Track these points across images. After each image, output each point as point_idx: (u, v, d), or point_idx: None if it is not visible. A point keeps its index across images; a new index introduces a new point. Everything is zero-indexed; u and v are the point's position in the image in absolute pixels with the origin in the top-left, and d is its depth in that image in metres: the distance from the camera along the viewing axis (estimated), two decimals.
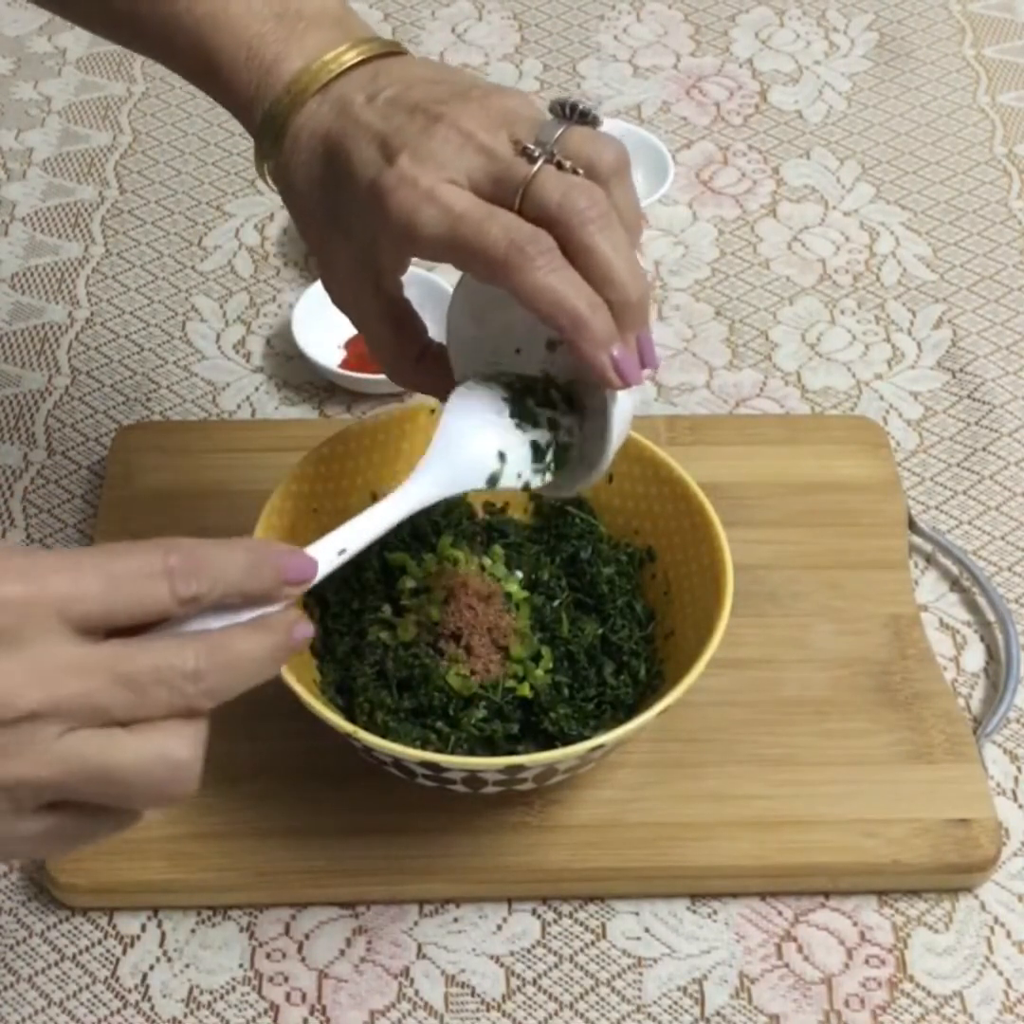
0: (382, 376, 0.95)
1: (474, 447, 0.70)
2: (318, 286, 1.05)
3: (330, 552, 0.65)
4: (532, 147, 0.64)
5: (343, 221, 0.68)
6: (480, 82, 0.68)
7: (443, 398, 0.72)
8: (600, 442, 0.71)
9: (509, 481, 0.71)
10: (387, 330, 0.72)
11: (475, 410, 0.71)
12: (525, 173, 0.64)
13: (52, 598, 0.53)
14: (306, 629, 0.58)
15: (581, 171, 0.64)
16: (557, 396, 0.73)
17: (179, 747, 0.54)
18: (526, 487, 0.72)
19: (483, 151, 0.64)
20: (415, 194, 0.64)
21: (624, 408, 0.69)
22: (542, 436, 0.72)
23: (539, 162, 0.64)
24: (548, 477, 0.72)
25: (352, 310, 0.72)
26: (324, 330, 1.04)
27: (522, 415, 0.72)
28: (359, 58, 0.69)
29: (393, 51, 0.71)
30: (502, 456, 0.71)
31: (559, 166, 0.64)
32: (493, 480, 0.71)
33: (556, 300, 0.63)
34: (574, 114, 0.66)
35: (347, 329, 1.02)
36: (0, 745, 0.52)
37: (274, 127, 0.69)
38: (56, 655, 0.53)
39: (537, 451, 0.72)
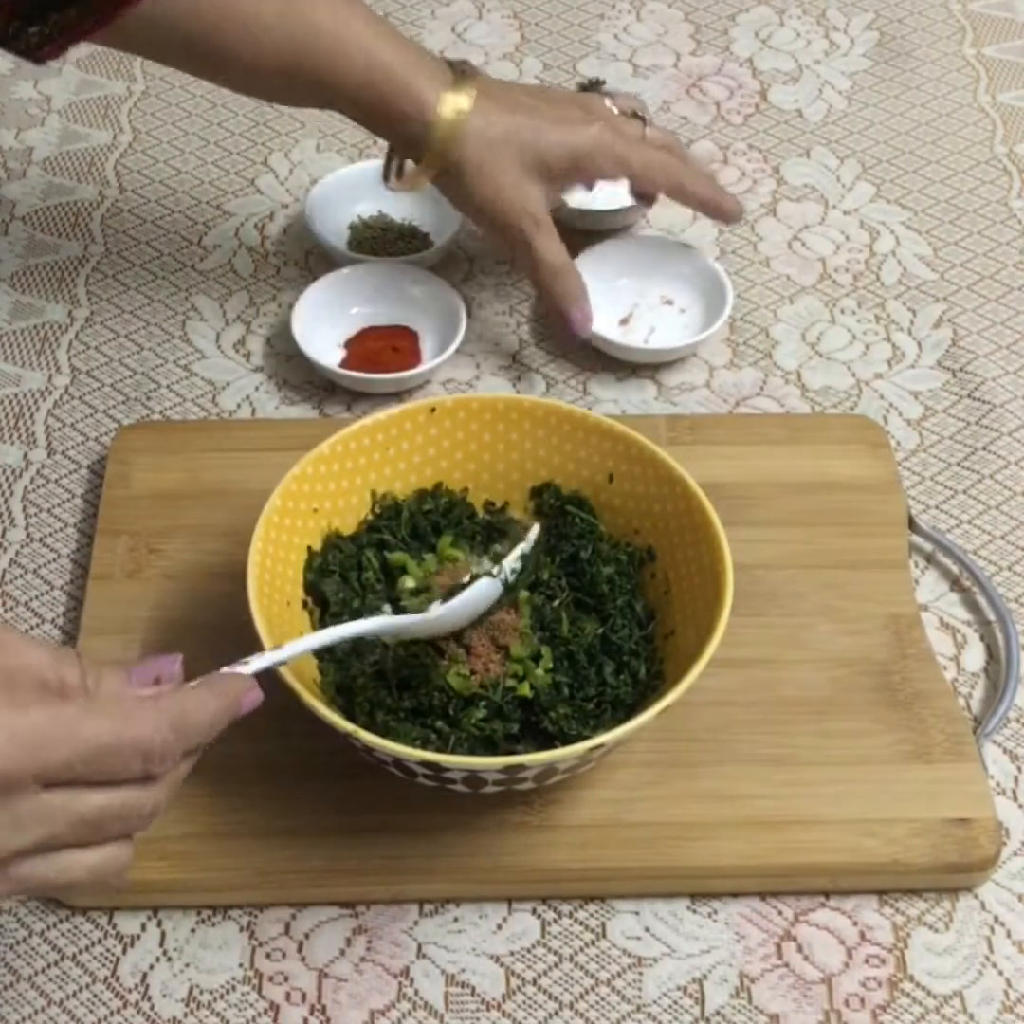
0: (382, 376, 1.01)
1: (441, 629, 0.79)
2: (318, 285, 1.05)
3: (269, 660, 0.70)
4: (593, 81, 1.17)
5: (542, 162, 0.99)
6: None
7: (586, 303, 1.03)
8: None
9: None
10: (560, 240, 1.02)
11: (465, 613, 0.79)
12: (640, 129, 1.05)
13: (35, 769, 0.58)
14: (256, 698, 0.67)
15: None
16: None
17: (123, 854, 0.62)
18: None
19: (614, 123, 1.03)
20: (616, 136, 1.02)
21: None
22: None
23: (642, 126, 1.06)
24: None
25: (540, 224, 1.00)
26: (324, 330, 1.04)
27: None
28: (468, 74, 0.98)
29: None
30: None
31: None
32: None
33: (703, 189, 1.06)
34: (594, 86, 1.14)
35: (347, 328, 1.02)
36: None
37: (453, 126, 0.97)
38: (27, 807, 0.58)
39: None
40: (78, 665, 0.62)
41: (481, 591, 0.78)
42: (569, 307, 1.02)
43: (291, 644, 0.71)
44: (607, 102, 1.06)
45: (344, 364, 1.03)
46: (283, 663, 0.71)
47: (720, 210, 1.06)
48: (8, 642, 0.61)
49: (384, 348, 1.04)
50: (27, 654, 0.61)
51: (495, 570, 0.79)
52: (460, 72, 0.98)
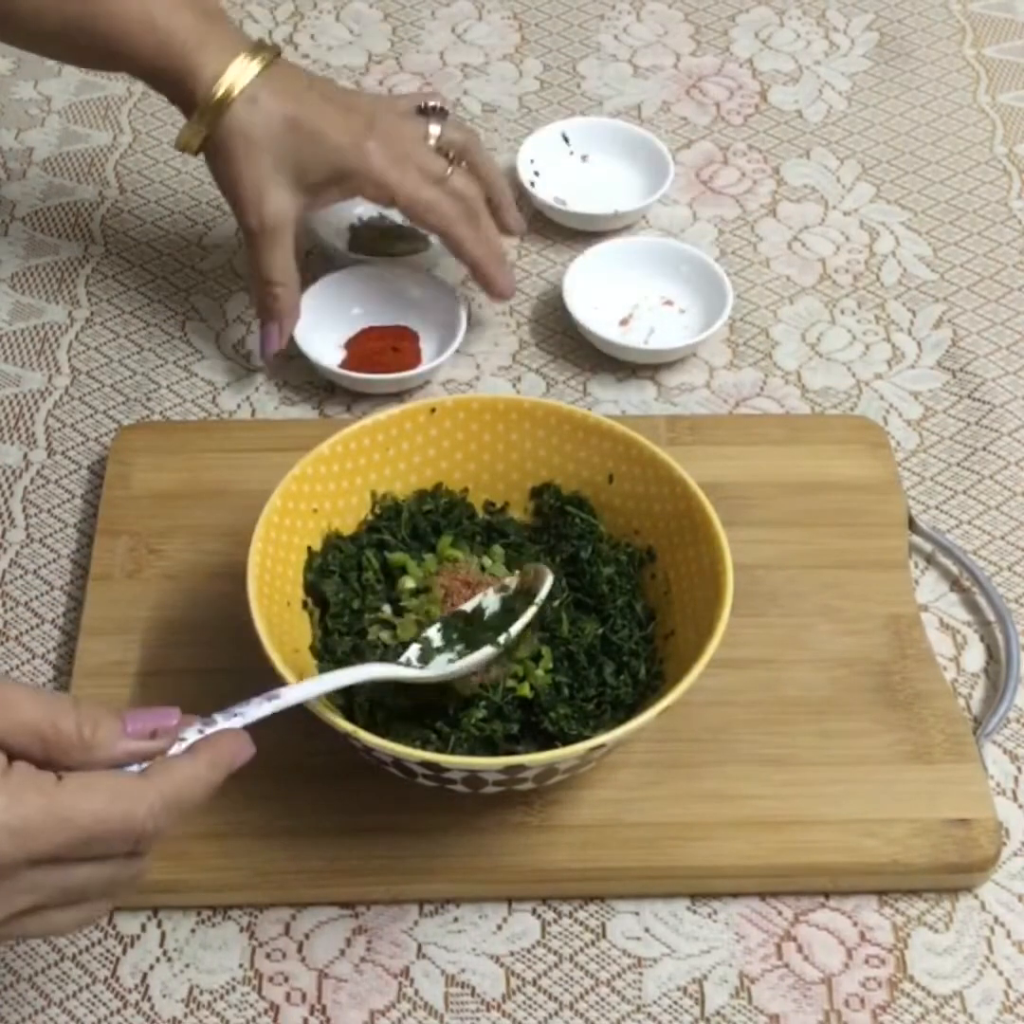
0: (382, 376, 1.02)
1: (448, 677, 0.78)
2: (318, 286, 1.05)
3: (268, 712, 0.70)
4: (428, 106, 1.02)
5: (297, 167, 0.97)
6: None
7: (289, 325, 1.01)
8: None
9: None
10: (293, 252, 1.00)
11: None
12: (444, 168, 0.99)
13: (26, 857, 0.59)
14: (247, 753, 0.67)
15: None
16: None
17: (105, 908, 0.64)
18: None
19: (414, 145, 0.99)
20: (388, 160, 0.97)
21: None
22: None
23: (451, 165, 1.00)
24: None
25: (272, 231, 0.98)
26: (324, 330, 1.04)
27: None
28: (271, 54, 0.97)
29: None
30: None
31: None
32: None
33: (475, 245, 1.01)
34: (431, 111, 1.02)
35: (347, 329, 1.05)
36: None
37: (225, 97, 0.94)
38: (15, 884, 0.59)
39: None
40: (73, 714, 0.61)
41: (485, 654, 0.78)
42: (265, 321, 1.01)
43: (287, 691, 0.70)
44: (433, 129, 1.01)
45: (344, 365, 1.03)
46: (278, 710, 0.70)
47: (488, 282, 1.02)
48: (3, 696, 0.61)
49: (384, 348, 1.04)
50: (22, 709, 0.60)
51: (502, 639, 0.78)
52: (260, 52, 0.96)
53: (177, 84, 0.96)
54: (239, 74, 0.95)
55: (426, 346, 1.05)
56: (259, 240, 0.98)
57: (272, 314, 1.00)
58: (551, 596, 0.84)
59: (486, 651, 0.78)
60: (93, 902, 0.63)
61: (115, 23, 0.94)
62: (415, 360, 1.03)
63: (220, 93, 0.94)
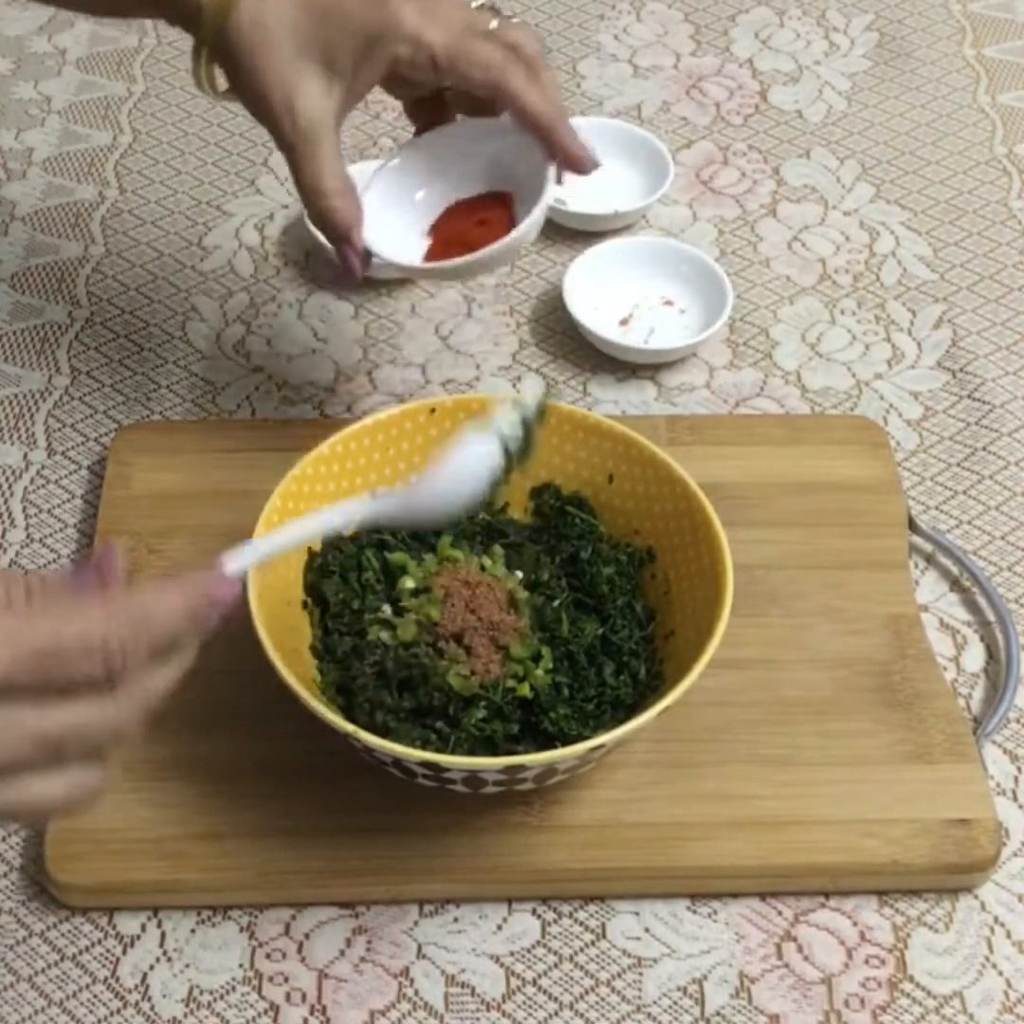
0: (468, 258, 0.86)
1: (436, 511, 0.75)
2: (379, 178, 0.90)
3: (256, 559, 0.67)
4: (488, 3, 0.86)
5: (323, 49, 0.82)
6: None
7: (358, 235, 0.84)
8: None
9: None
10: (338, 151, 0.84)
11: (462, 482, 0.74)
12: (490, 20, 0.84)
13: None
14: (229, 593, 0.61)
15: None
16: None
17: (94, 779, 0.59)
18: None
19: (456, 5, 0.84)
20: (424, 15, 0.82)
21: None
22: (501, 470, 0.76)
23: (496, 18, 0.84)
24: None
25: (310, 131, 0.83)
26: (398, 226, 0.89)
27: (491, 489, 0.76)
28: None
29: None
30: (447, 518, 0.77)
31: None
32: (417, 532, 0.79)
33: (539, 99, 0.82)
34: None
35: (425, 215, 0.91)
36: None
37: None
38: None
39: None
40: (23, 583, 0.58)
41: (473, 456, 0.72)
42: (338, 241, 0.85)
43: (263, 538, 0.67)
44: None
45: (429, 256, 0.88)
46: (256, 562, 0.66)
47: (561, 145, 0.83)
48: None
49: (469, 226, 0.88)
50: None
51: (490, 428, 0.73)
52: None
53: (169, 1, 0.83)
54: None
55: (521, 208, 0.87)
56: (300, 147, 0.83)
57: (338, 231, 0.84)
58: (551, 595, 0.84)
59: (472, 448, 0.74)
60: (76, 768, 0.58)
61: None
62: (507, 230, 0.85)
63: None
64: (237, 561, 0.64)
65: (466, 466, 0.74)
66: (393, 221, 0.88)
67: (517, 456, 0.75)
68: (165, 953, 0.76)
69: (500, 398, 0.78)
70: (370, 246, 0.86)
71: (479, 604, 0.81)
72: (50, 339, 1.07)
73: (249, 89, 0.83)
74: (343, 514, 0.72)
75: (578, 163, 0.83)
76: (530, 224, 0.84)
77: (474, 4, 0.86)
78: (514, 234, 0.84)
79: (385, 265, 0.87)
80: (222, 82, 0.86)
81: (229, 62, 0.83)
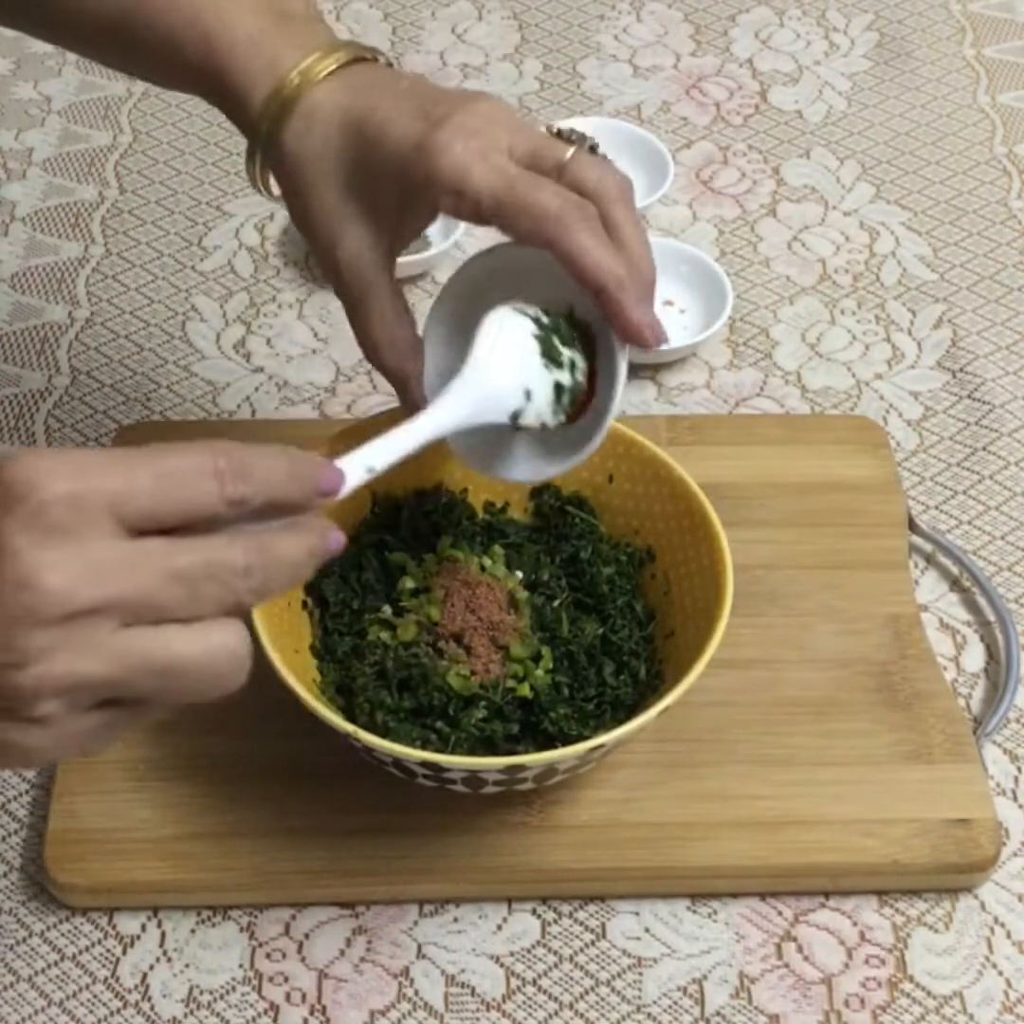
0: None
1: (504, 380, 0.70)
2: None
3: (358, 468, 0.66)
4: (566, 132, 0.70)
5: (367, 187, 0.71)
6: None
7: (417, 387, 0.75)
8: (600, 416, 0.73)
9: (529, 419, 0.72)
10: (391, 302, 0.74)
11: (508, 342, 0.70)
12: (564, 151, 0.69)
13: (105, 494, 0.53)
14: (339, 537, 0.60)
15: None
16: (578, 340, 0.72)
17: (236, 640, 0.55)
18: (543, 427, 0.72)
19: (522, 129, 0.70)
20: (468, 153, 0.68)
21: (624, 376, 0.72)
22: (565, 377, 0.72)
23: (573, 146, 0.70)
24: (562, 419, 0.73)
25: (355, 284, 0.74)
26: None
27: (550, 354, 0.71)
28: (355, 54, 0.74)
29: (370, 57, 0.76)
30: (528, 394, 0.71)
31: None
32: (515, 416, 0.71)
33: (601, 258, 0.67)
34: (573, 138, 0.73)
35: None
36: (58, 642, 0.52)
37: (283, 105, 0.72)
38: (110, 552, 0.53)
39: (558, 393, 0.72)
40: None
41: (516, 331, 0.69)
42: (399, 391, 0.77)
43: (367, 446, 0.66)
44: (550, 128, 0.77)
45: None
46: (368, 470, 0.66)
47: (620, 313, 0.69)
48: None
49: None
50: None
51: (530, 311, 0.70)
52: (336, 51, 0.73)
53: (225, 95, 0.75)
54: (302, 80, 0.72)
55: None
56: (346, 299, 0.75)
57: (393, 385, 0.77)
58: (551, 595, 0.84)
59: (508, 322, 0.70)
60: (216, 627, 0.55)
61: (161, 19, 0.75)
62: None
63: (274, 105, 0.72)
64: (347, 464, 0.64)
65: (495, 329, 0.70)
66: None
67: (559, 333, 0.71)
68: (165, 953, 0.76)
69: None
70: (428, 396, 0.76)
71: (479, 604, 0.81)
72: (50, 339, 1.07)
73: (297, 219, 0.76)
74: (436, 420, 0.68)
75: (639, 339, 0.69)
76: (611, 416, 0.73)
77: (554, 128, 0.76)
78: (596, 441, 0.74)
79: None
80: (276, 186, 0.77)
81: (280, 180, 0.75)
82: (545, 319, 0.72)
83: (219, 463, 0.55)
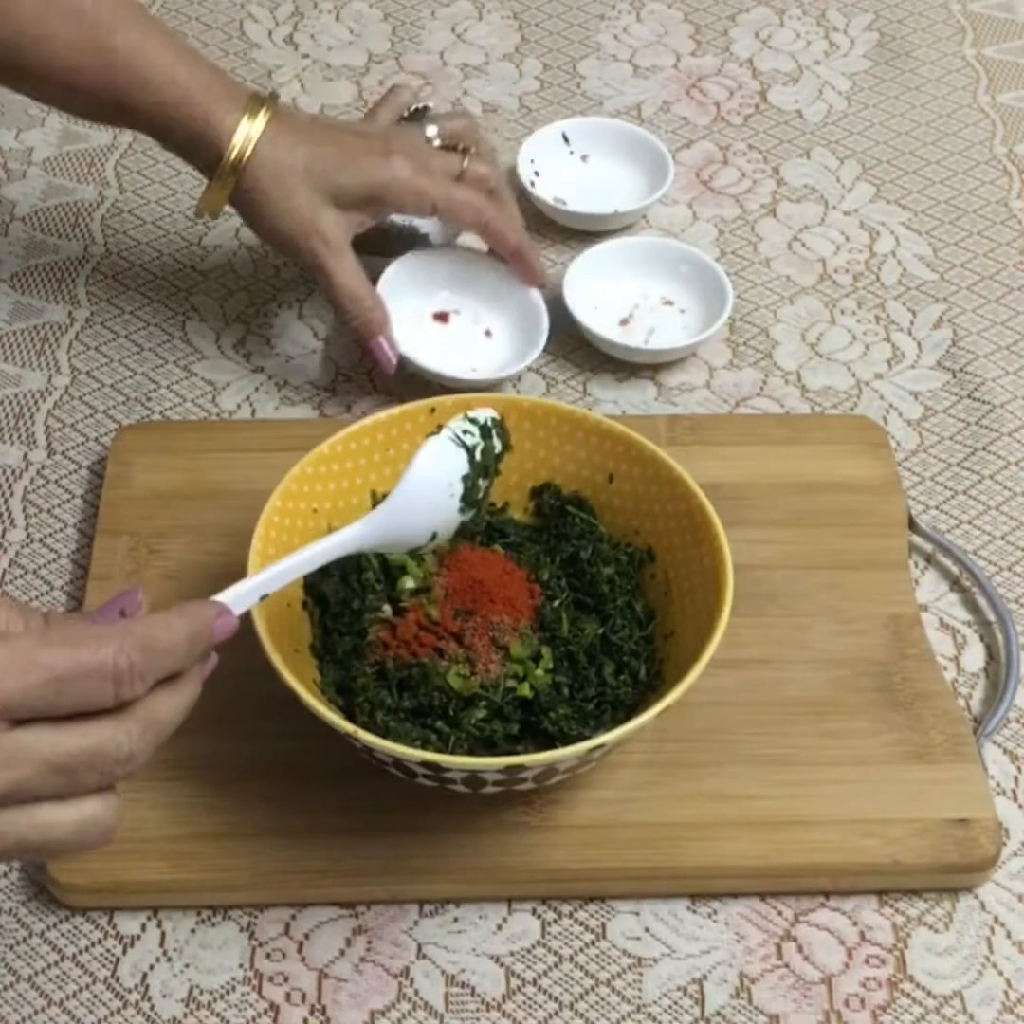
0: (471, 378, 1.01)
1: (418, 526, 0.77)
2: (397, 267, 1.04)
3: (252, 597, 0.69)
4: (422, 109, 1.06)
5: (337, 193, 0.97)
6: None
7: (389, 330, 0.99)
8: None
9: (425, 547, 0.79)
10: (355, 262, 0.98)
11: (435, 487, 0.77)
12: (460, 161, 1.01)
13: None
14: (209, 664, 0.65)
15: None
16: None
17: (105, 812, 0.60)
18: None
19: (435, 152, 1.02)
20: (418, 174, 0.98)
21: None
22: (471, 514, 0.79)
23: (461, 156, 1.01)
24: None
25: (335, 245, 0.98)
26: (412, 300, 1.04)
27: (468, 498, 0.78)
28: (275, 101, 0.99)
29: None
30: (434, 536, 0.78)
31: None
32: (415, 551, 0.79)
33: (512, 229, 1.02)
34: (419, 114, 1.06)
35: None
36: None
37: (245, 141, 0.96)
38: None
39: (461, 522, 0.79)
40: (40, 614, 0.61)
41: (432, 458, 0.77)
42: (367, 339, 0.99)
43: (262, 573, 0.70)
44: (430, 131, 1.03)
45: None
46: (262, 598, 0.69)
47: (523, 266, 1.03)
48: None
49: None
50: None
51: (445, 432, 0.78)
52: (258, 101, 0.97)
53: (195, 138, 0.96)
54: (253, 123, 0.96)
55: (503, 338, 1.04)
56: (330, 260, 0.97)
57: (374, 329, 0.99)
58: (551, 595, 0.84)
59: (428, 448, 0.77)
60: (91, 799, 0.59)
61: (134, 74, 0.95)
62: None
63: (241, 144, 0.95)
64: (234, 598, 0.67)
65: (429, 471, 0.77)
66: (402, 311, 1.01)
67: (484, 458, 0.78)
68: (165, 953, 0.76)
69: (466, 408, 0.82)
70: (399, 347, 0.99)
71: (487, 591, 0.81)
72: (50, 339, 1.07)
73: (266, 219, 0.98)
74: (331, 547, 0.74)
75: (539, 281, 1.04)
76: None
77: (427, 132, 1.02)
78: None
79: (416, 368, 1.00)
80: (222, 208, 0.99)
81: (246, 201, 0.97)
82: (481, 444, 0.78)
83: (120, 664, 0.58)
